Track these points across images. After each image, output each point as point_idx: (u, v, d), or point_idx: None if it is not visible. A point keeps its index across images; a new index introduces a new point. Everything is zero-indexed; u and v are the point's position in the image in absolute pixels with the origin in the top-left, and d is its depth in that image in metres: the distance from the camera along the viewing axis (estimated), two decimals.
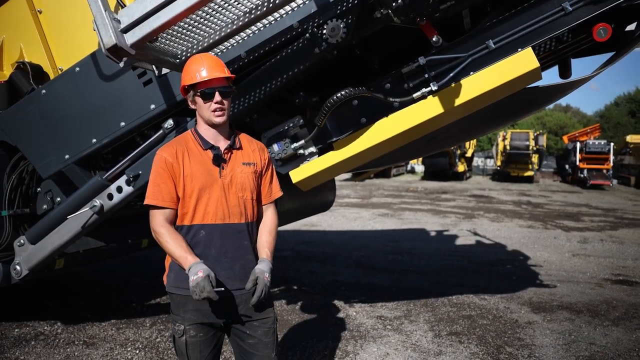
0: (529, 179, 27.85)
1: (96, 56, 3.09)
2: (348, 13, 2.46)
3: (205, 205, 2.06)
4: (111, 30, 2.14)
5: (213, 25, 2.42)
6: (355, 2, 2.43)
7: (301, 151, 3.00)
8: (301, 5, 2.56)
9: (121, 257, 6.42)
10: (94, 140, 3.20)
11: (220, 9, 2.32)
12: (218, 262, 2.07)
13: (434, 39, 2.53)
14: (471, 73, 2.70)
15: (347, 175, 17.99)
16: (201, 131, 2.12)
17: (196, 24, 2.37)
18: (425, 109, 2.77)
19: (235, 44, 2.72)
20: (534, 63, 2.60)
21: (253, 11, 2.34)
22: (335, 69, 2.95)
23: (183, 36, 2.44)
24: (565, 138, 32.26)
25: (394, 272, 6.50)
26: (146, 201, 2.05)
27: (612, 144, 26.80)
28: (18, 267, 3.53)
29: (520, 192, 21.32)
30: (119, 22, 2.19)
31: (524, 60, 2.62)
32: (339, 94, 2.71)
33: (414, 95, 2.77)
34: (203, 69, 2.02)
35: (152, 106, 3.01)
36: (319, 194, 5.36)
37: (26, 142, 3.43)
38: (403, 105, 2.83)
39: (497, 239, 9.20)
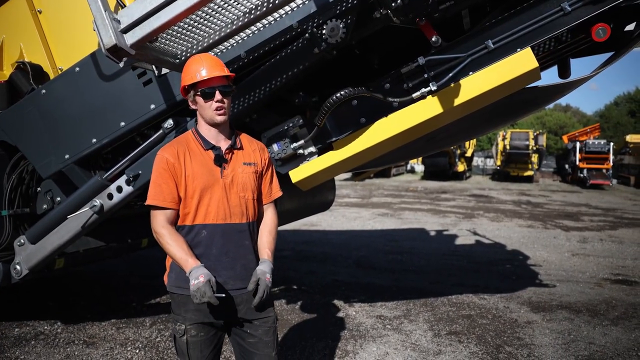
0: (529, 179, 27.86)
1: (96, 56, 3.09)
2: (347, 13, 2.46)
3: (207, 205, 2.07)
4: (111, 30, 2.14)
5: (213, 26, 2.43)
6: (355, 2, 2.43)
7: (301, 151, 3.00)
8: (301, 6, 2.57)
9: (121, 257, 6.43)
10: (94, 140, 3.21)
11: (220, 9, 2.32)
12: (219, 261, 2.08)
13: (433, 39, 2.53)
14: (470, 73, 2.70)
15: (347, 175, 18.01)
16: (202, 131, 2.13)
17: (196, 24, 2.37)
18: (424, 109, 2.77)
19: (235, 44, 2.73)
20: (533, 63, 2.61)
21: (253, 11, 2.35)
22: (335, 69, 2.96)
23: (183, 36, 2.45)
24: (565, 138, 32.27)
25: (394, 272, 6.51)
26: (148, 201, 2.06)
27: (611, 143, 26.81)
28: (18, 267, 3.53)
29: (520, 191, 21.33)
30: (119, 22, 2.19)
31: (523, 61, 2.62)
32: (338, 94, 2.72)
33: (414, 95, 2.78)
34: (203, 68, 2.03)
35: (152, 106, 3.02)
36: (318, 193, 5.37)
37: (26, 142, 3.44)
38: (402, 105, 2.83)
39: (497, 239, 9.21)
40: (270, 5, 2.31)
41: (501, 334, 4.27)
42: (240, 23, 2.39)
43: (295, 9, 2.58)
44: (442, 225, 10.79)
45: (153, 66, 2.83)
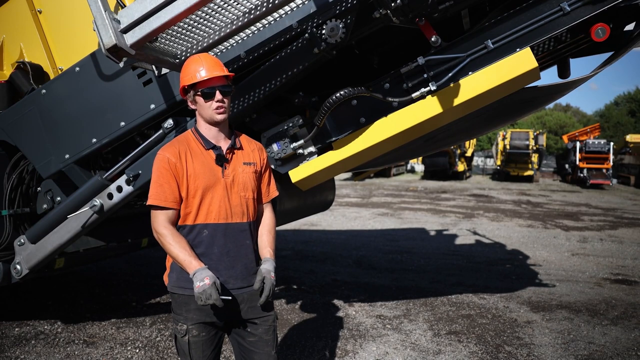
0: (529, 179, 27.86)
1: (96, 56, 3.10)
2: (347, 13, 2.47)
3: (209, 205, 2.07)
4: (111, 30, 2.14)
5: (212, 26, 2.43)
6: (354, 2, 2.43)
7: (300, 151, 3.01)
8: (300, 6, 2.57)
9: (121, 257, 6.44)
10: (94, 140, 3.21)
11: (220, 9, 2.32)
12: (220, 261, 2.09)
13: (432, 39, 2.54)
14: (470, 73, 2.71)
15: (347, 175, 18.02)
16: (202, 131, 2.13)
17: (196, 24, 2.38)
18: (424, 109, 2.78)
19: (234, 44, 2.73)
20: (533, 63, 2.61)
21: (253, 11, 2.35)
22: (335, 69, 2.96)
23: (183, 36, 2.45)
24: (565, 137, 32.25)
25: (394, 272, 6.52)
26: (149, 201, 2.05)
27: (611, 143, 26.80)
28: (18, 267, 3.54)
29: (520, 191, 21.33)
30: (118, 22, 2.20)
31: (522, 60, 2.62)
32: (338, 94, 2.72)
33: (413, 95, 2.78)
34: (202, 68, 2.03)
35: (152, 106, 3.02)
36: (318, 193, 5.36)
37: (26, 142, 3.44)
38: (402, 105, 2.84)
39: (497, 239, 9.21)
40: (270, 5, 2.31)
41: (501, 334, 4.27)
42: (240, 23, 2.39)
43: (295, 9, 2.58)
44: (442, 225, 10.80)
45: (153, 66, 2.83)
